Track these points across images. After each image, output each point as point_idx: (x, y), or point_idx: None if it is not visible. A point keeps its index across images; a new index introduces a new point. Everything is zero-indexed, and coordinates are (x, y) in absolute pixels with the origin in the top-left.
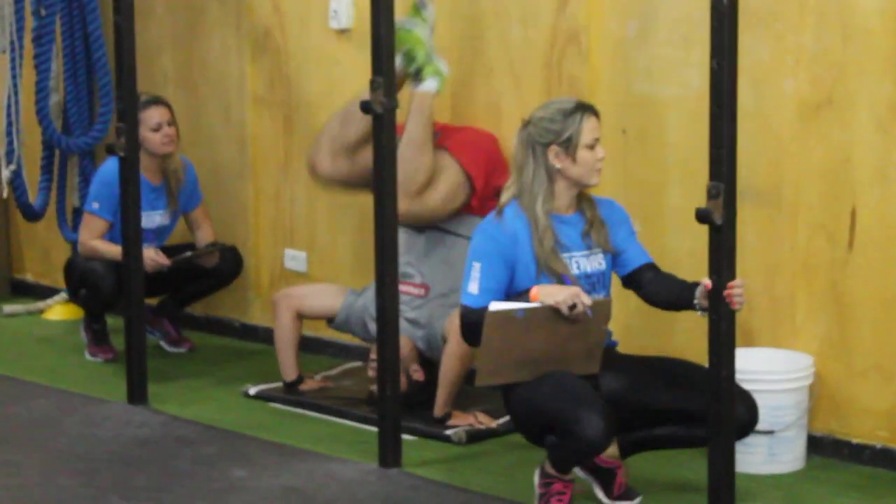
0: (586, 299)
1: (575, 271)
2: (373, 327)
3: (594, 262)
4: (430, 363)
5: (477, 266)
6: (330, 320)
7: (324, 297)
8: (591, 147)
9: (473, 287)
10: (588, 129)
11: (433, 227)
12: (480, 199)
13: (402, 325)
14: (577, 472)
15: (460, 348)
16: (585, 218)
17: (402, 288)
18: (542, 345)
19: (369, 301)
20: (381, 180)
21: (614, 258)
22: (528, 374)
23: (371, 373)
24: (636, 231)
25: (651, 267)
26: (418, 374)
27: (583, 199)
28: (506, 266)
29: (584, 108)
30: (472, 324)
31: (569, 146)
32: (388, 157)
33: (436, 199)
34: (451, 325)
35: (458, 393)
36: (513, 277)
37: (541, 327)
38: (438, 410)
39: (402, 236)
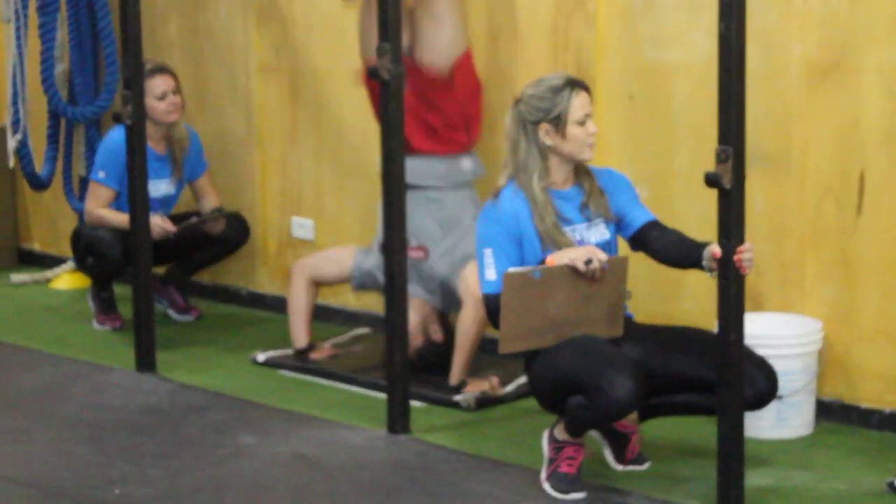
0: (601, 254)
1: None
2: (372, 283)
3: (597, 233)
4: (449, 324)
5: (488, 252)
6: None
7: (337, 262)
8: (582, 123)
9: (490, 273)
10: (578, 105)
11: (409, 186)
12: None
13: (416, 288)
14: (591, 434)
15: (475, 313)
16: (584, 190)
17: None
18: (562, 307)
19: (377, 258)
20: (388, 147)
21: (618, 225)
22: (551, 338)
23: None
24: (640, 195)
25: (655, 224)
26: (438, 335)
27: (580, 171)
28: (515, 244)
29: (574, 84)
30: (497, 309)
31: (559, 123)
32: (395, 124)
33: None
34: (464, 288)
35: (473, 358)
36: (522, 255)
37: (559, 288)
38: (454, 378)
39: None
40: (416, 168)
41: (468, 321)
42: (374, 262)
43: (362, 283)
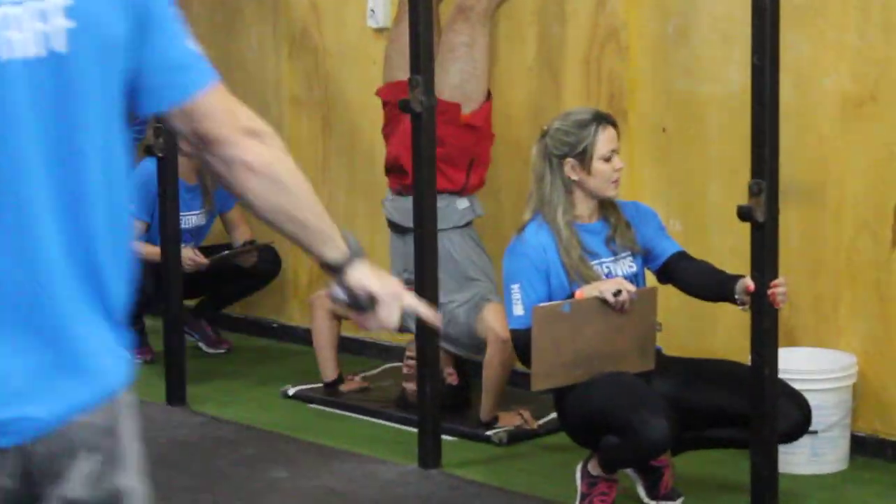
0: (629, 286)
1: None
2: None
3: (624, 266)
4: (462, 365)
5: (515, 287)
6: None
7: None
8: (608, 159)
9: (518, 309)
10: (604, 140)
11: (406, 228)
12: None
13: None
14: (625, 470)
15: (500, 355)
16: (610, 224)
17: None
18: (593, 341)
19: None
20: (419, 179)
21: (645, 258)
22: (583, 373)
23: (406, 370)
24: (672, 228)
25: (683, 255)
26: (452, 378)
27: (606, 205)
28: (543, 278)
29: (601, 119)
30: (526, 345)
31: (584, 158)
32: (426, 156)
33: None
34: (487, 330)
35: (502, 397)
36: (549, 290)
37: (589, 322)
38: (485, 415)
39: (392, 236)
40: (410, 209)
41: (494, 363)
42: None
43: None
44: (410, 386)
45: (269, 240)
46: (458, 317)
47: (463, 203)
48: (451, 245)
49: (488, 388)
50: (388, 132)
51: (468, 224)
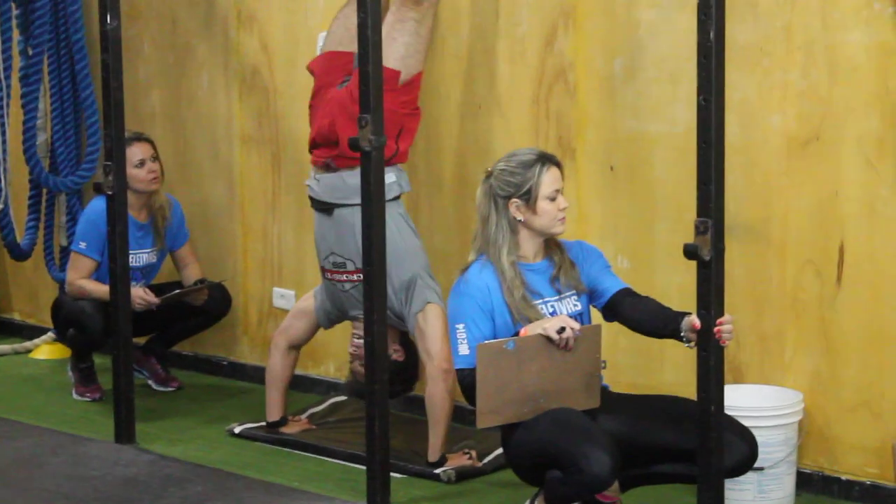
0: (573, 323)
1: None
2: (334, 312)
3: (569, 305)
4: (408, 341)
5: (460, 328)
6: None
7: (302, 312)
8: (553, 199)
9: (463, 348)
10: (548, 181)
11: (340, 204)
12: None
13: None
14: None
15: (442, 384)
16: (554, 263)
17: (341, 277)
18: (538, 378)
19: (324, 294)
20: (368, 215)
21: (591, 296)
22: (528, 411)
23: (353, 349)
24: (615, 266)
25: (628, 292)
26: (398, 354)
27: (551, 245)
28: (487, 318)
29: (545, 160)
30: (472, 384)
31: (529, 198)
32: (376, 194)
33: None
34: (426, 357)
35: (449, 432)
36: (494, 328)
37: (534, 359)
38: (433, 455)
39: (317, 219)
40: (337, 183)
41: (438, 397)
42: (325, 296)
43: (329, 321)
44: (358, 367)
45: (219, 278)
46: (397, 295)
47: (390, 177)
48: None
49: (435, 422)
50: (315, 104)
51: (396, 199)
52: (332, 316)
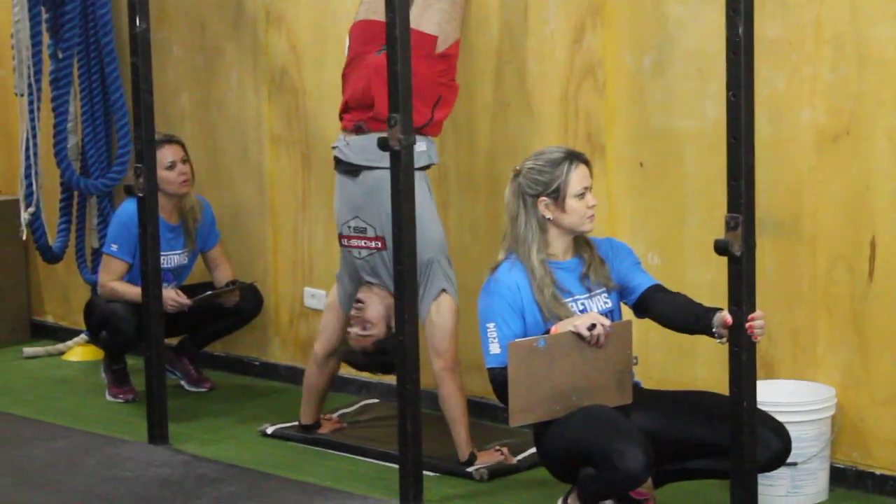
0: (604, 320)
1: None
2: (354, 292)
3: (599, 303)
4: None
5: (491, 326)
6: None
7: (330, 310)
8: (581, 196)
9: (494, 347)
10: (576, 178)
11: (368, 166)
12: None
13: (376, 279)
14: (606, 502)
15: (452, 383)
16: (584, 261)
17: (359, 243)
18: (569, 375)
19: (343, 274)
20: (398, 215)
21: (621, 293)
22: (561, 409)
23: (352, 312)
24: (649, 263)
25: (659, 288)
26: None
27: (580, 242)
28: (517, 316)
29: (573, 157)
30: (504, 383)
31: (557, 197)
32: (405, 193)
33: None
34: (433, 355)
35: (470, 428)
36: (525, 327)
37: (565, 356)
38: (462, 454)
39: (341, 183)
40: (367, 145)
41: (451, 396)
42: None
43: (351, 306)
44: (355, 332)
45: (250, 279)
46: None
47: (420, 146)
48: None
49: (454, 421)
50: (348, 73)
51: (423, 168)
52: (351, 298)
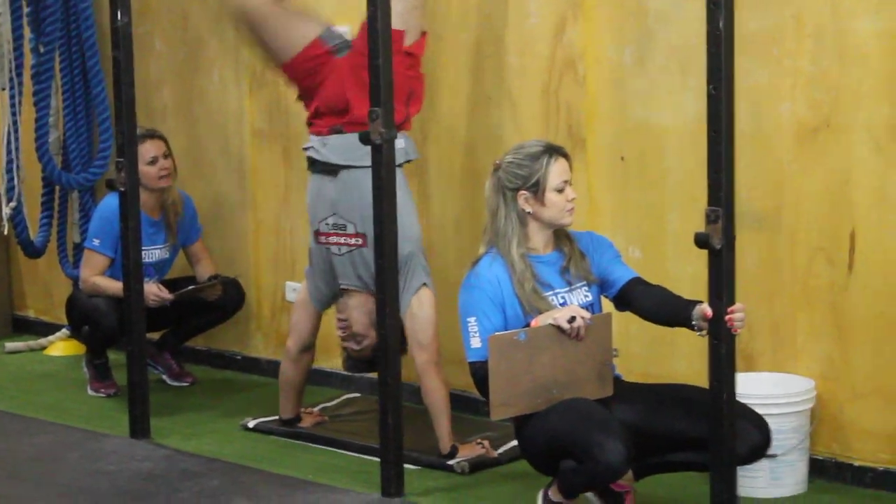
0: (584, 312)
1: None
2: (325, 289)
3: (579, 296)
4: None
5: (472, 321)
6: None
7: (301, 306)
8: (561, 190)
9: (475, 341)
10: (556, 172)
11: (347, 165)
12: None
13: (357, 280)
14: (586, 494)
15: (434, 378)
16: (564, 254)
17: (339, 240)
18: (550, 368)
19: (313, 272)
20: (379, 211)
21: (601, 286)
22: (542, 402)
23: (339, 333)
24: (630, 256)
25: (639, 281)
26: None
27: (560, 236)
28: (498, 310)
29: (553, 151)
30: (485, 377)
31: (537, 190)
32: (387, 189)
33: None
34: (414, 349)
35: (451, 421)
36: (505, 321)
37: (545, 349)
38: (444, 447)
39: (317, 182)
40: (346, 145)
41: (434, 389)
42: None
43: (321, 302)
44: (350, 344)
45: (232, 273)
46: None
47: (399, 143)
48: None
49: (436, 414)
50: (318, 81)
51: (400, 165)
52: (323, 295)
